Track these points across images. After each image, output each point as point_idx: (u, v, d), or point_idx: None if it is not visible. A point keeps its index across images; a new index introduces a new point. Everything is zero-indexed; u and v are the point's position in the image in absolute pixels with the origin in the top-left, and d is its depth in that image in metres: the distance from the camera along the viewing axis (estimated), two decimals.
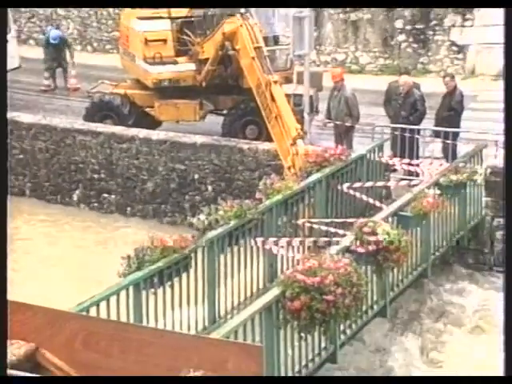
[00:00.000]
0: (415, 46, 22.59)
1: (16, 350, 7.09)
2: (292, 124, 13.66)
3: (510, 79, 5.01)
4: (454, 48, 22.18)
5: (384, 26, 22.85)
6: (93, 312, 7.75)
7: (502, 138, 13.34)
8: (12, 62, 21.17)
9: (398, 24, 22.65)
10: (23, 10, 27.00)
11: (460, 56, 22.14)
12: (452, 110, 14.51)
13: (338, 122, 14.77)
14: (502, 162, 12.71)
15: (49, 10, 27.26)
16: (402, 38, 22.72)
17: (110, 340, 6.99)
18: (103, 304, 7.90)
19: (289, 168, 13.17)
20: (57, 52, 21.95)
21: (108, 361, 6.97)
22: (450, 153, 13.70)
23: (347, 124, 14.67)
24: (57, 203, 16.74)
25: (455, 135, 14.04)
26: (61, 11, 27.14)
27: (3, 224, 6.01)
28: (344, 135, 14.70)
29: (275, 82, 14.45)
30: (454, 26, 22.06)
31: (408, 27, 22.57)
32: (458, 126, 14.40)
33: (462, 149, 13.62)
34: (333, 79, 15.22)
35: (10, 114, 17.70)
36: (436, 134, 14.13)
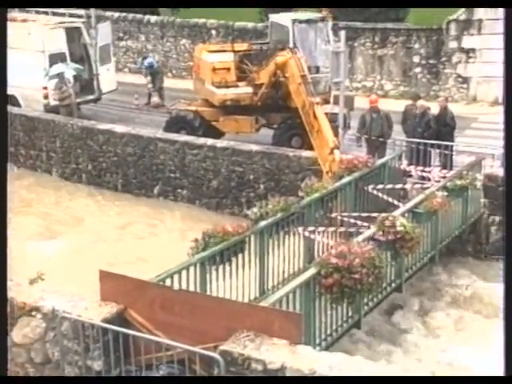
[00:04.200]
0: (429, 76, 22.32)
1: (109, 309, 7.14)
2: (330, 137, 13.49)
3: (509, 81, 4.70)
4: (460, 79, 21.89)
5: (404, 60, 22.63)
6: (168, 282, 7.74)
7: (497, 152, 13.11)
8: (111, 85, 21.34)
9: (415, 59, 22.43)
10: (120, 44, 27.14)
11: (464, 86, 21.84)
12: (447, 125, 14.26)
13: (380, 139, 14.40)
14: (497, 170, 12.46)
15: (140, 46, 27.37)
16: (418, 70, 22.47)
17: (181, 305, 6.99)
18: (176, 276, 7.88)
19: (327, 172, 13.01)
20: (153, 76, 21.91)
21: (179, 321, 6.96)
22: (448, 162, 13.44)
23: (384, 139, 14.34)
24: (142, 196, 16.82)
25: (451, 148, 13.74)
26: (149, 46, 27.26)
27: (3, 224, 5.87)
28: (380, 148, 14.44)
29: (317, 103, 14.29)
30: (460, 61, 21.77)
31: (423, 62, 22.34)
32: (452, 139, 14.10)
33: (466, 160, 13.33)
34: (371, 103, 14.91)
35: (107, 126, 17.88)
36: (436, 146, 13.82)
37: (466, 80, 21.75)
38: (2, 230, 5.74)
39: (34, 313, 7.30)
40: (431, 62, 22.15)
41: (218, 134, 17.11)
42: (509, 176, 4.87)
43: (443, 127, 14.18)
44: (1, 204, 5.84)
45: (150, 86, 21.87)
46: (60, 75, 19.23)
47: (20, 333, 7.35)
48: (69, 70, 19.89)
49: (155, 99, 21.94)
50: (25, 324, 7.33)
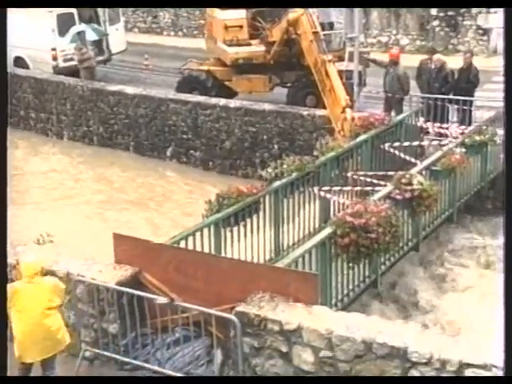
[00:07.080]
0: (447, 29, 21.98)
1: (124, 271, 7.22)
2: (342, 95, 13.39)
3: (510, 77, 4.63)
4: (480, 31, 21.54)
5: (421, 13, 22.28)
6: (182, 244, 7.80)
7: None
8: (121, 46, 21.23)
9: (433, 11, 22.07)
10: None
11: (484, 38, 21.50)
12: (470, 82, 14.01)
13: (389, 95, 14.29)
14: None
15: None
16: (435, 23, 22.13)
17: (196, 267, 7.05)
18: (190, 238, 7.94)
19: (339, 132, 12.96)
20: None
21: (194, 283, 7.03)
22: (467, 118, 13.29)
23: (397, 96, 14.20)
24: (154, 158, 16.86)
25: (471, 103, 13.57)
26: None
27: (3, 222, 5.89)
28: (396, 105, 14.29)
29: (329, 61, 14.12)
30: (480, 12, 21.37)
31: (441, 14, 21.98)
32: (473, 95, 13.89)
33: (485, 115, 13.19)
34: (390, 57, 14.64)
35: (117, 87, 17.84)
36: (455, 102, 13.63)
37: (486, 32, 21.39)
38: (2, 229, 5.75)
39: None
40: (449, 13, 21.79)
41: (231, 94, 17.04)
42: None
43: (465, 84, 13.93)
44: (1, 170, 5.87)
45: None
46: (81, 35, 19.01)
47: None
48: (89, 30, 19.71)
49: None
50: None
